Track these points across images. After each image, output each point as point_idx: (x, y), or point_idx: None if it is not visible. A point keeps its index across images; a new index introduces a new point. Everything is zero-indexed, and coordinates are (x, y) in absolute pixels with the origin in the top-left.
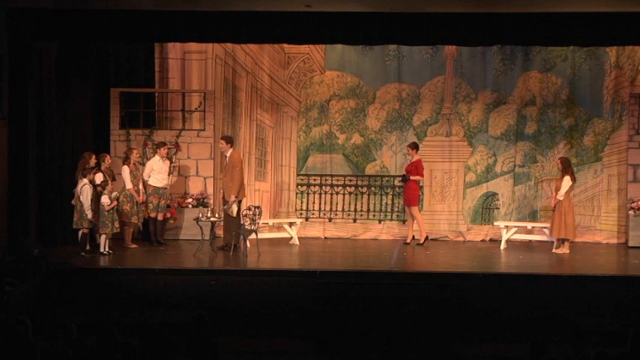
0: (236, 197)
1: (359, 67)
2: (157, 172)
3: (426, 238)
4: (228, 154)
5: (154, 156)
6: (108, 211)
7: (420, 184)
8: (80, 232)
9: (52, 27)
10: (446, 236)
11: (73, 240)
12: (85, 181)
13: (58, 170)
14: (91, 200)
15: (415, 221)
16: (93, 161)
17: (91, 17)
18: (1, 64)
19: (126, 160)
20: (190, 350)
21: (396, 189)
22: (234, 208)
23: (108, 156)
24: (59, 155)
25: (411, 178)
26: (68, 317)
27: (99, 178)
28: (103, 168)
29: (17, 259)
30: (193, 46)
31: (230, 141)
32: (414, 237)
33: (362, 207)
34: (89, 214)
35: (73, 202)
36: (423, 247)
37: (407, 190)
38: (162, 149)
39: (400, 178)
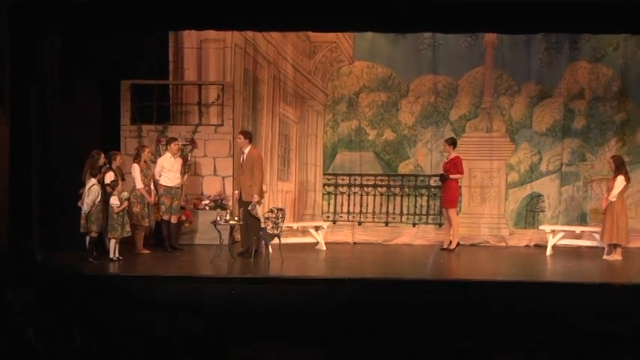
0: (259, 197)
1: (391, 57)
2: (168, 170)
3: (458, 244)
4: (246, 151)
5: (165, 153)
6: (117, 213)
7: (459, 184)
8: (88, 237)
9: (56, 19)
10: (486, 241)
11: (79, 245)
12: (94, 181)
13: (63, 170)
14: (100, 202)
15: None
16: (102, 160)
17: (98, 6)
18: (3, 58)
19: (136, 158)
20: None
21: (432, 189)
22: (259, 208)
23: (119, 154)
24: (65, 153)
25: (451, 176)
26: (73, 326)
27: (109, 177)
28: (113, 167)
29: (20, 265)
30: (210, 34)
31: (249, 136)
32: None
33: (394, 209)
34: (93, 218)
35: (79, 203)
36: (459, 254)
37: (446, 191)
38: (173, 145)
39: (438, 178)
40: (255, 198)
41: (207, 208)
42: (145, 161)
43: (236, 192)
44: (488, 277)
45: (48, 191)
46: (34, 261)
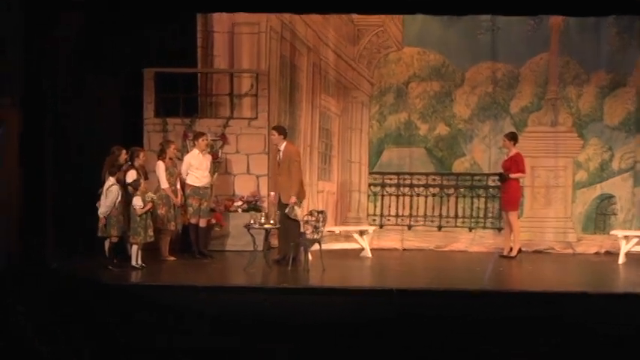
0: (297, 199)
1: (444, 43)
2: (196, 168)
3: (519, 250)
4: (282, 148)
5: (193, 149)
6: (140, 215)
7: (521, 184)
8: (107, 242)
9: None
10: (551, 248)
11: (98, 251)
12: (113, 180)
13: (80, 168)
14: (120, 203)
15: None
16: (123, 157)
17: None
18: (15, 41)
19: (161, 155)
20: None
21: (490, 190)
22: (298, 210)
23: (142, 151)
24: (82, 149)
25: (511, 176)
26: (89, 341)
27: (131, 175)
28: (136, 164)
29: (32, 274)
30: (243, 16)
31: (283, 132)
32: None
33: (448, 212)
34: (113, 221)
35: (98, 204)
36: (521, 262)
37: (506, 192)
38: (201, 140)
39: (497, 177)
40: (293, 199)
41: (239, 210)
42: (170, 158)
43: (272, 194)
44: (554, 288)
45: (63, 191)
46: (48, 269)
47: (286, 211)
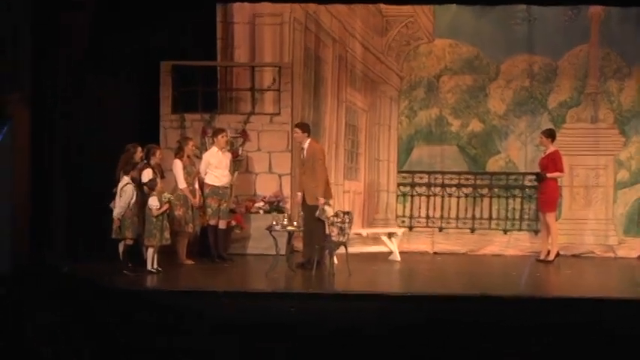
0: (325, 199)
1: (478, 34)
2: (216, 166)
3: (557, 254)
4: (305, 146)
5: (212, 147)
6: (157, 217)
7: (559, 184)
8: (121, 244)
9: None
10: (591, 251)
11: (112, 254)
12: (128, 179)
13: (93, 165)
14: (135, 203)
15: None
16: (139, 155)
17: None
18: (23, 33)
19: (178, 153)
20: None
21: (526, 190)
22: (329, 211)
23: (158, 149)
24: (95, 146)
25: (549, 175)
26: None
27: (147, 175)
28: (152, 163)
29: (41, 279)
30: (265, 6)
31: (307, 129)
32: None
33: (481, 213)
34: (128, 222)
35: (112, 205)
36: (559, 266)
37: (543, 192)
38: (220, 137)
39: (534, 177)
40: (320, 200)
41: (261, 211)
42: (188, 156)
43: (299, 194)
44: (594, 294)
45: (74, 191)
46: (58, 273)
47: (317, 213)
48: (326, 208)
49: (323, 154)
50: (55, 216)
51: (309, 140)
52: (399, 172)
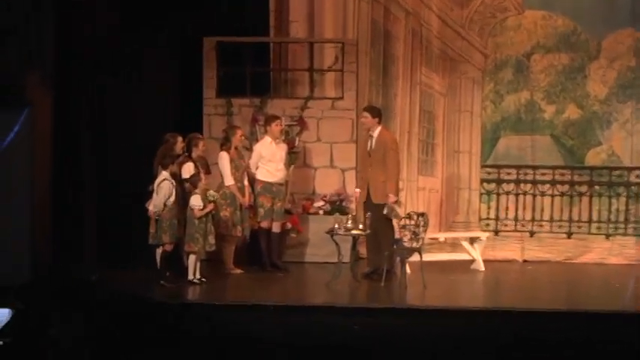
0: (397, 198)
1: (575, 5)
2: (268, 160)
3: None
4: (375, 134)
5: (264, 137)
6: (199, 218)
7: None
8: (158, 251)
9: None
10: None
11: (148, 261)
12: (166, 175)
13: (126, 158)
14: (175, 203)
15: None
16: (180, 146)
17: None
18: (45, 4)
19: (225, 144)
20: None
21: (632, 188)
22: (399, 211)
23: (202, 139)
24: (128, 136)
25: None
26: None
27: (188, 169)
28: (194, 156)
29: (67, 289)
30: None
31: (377, 114)
32: None
33: (580, 215)
34: (166, 225)
35: (148, 205)
36: None
37: None
38: (274, 126)
39: None
40: (392, 198)
41: (321, 212)
42: (236, 148)
43: (357, 190)
44: None
45: (105, 188)
46: (86, 283)
47: (384, 212)
48: (396, 208)
49: (396, 144)
50: (82, 218)
51: (379, 128)
52: (483, 166)
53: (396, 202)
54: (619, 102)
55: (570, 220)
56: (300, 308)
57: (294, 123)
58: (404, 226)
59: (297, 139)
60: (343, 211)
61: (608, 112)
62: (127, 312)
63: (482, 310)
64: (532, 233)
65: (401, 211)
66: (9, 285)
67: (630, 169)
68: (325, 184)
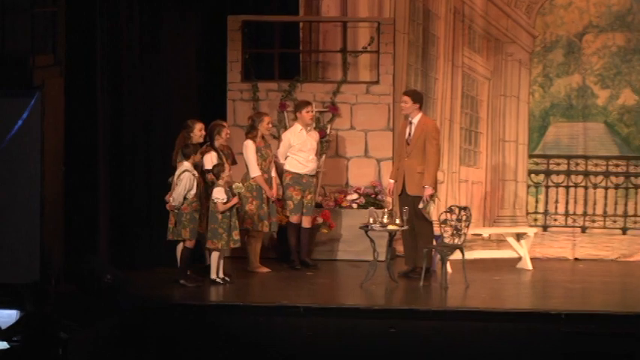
0: (434, 190)
1: None
2: (298, 149)
3: None
4: (415, 121)
5: (293, 124)
6: (223, 213)
7: None
8: (179, 247)
9: None
10: None
11: (168, 259)
12: (187, 165)
13: (143, 148)
14: (196, 196)
15: None
16: (198, 133)
17: None
18: None
19: (251, 132)
20: None
21: None
22: (432, 207)
23: (225, 126)
24: (146, 123)
25: None
26: None
27: (210, 159)
28: (217, 145)
29: (79, 290)
30: None
31: (418, 99)
32: None
33: (636, 209)
34: (187, 219)
35: (167, 198)
36: None
37: None
38: (304, 112)
39: None
40: (428, 190)
41: (354, 205)
42: (262, 136)
43: (391, 182)
44: None
45: (121, 180)
46: (100, 283)
47: (419, 206)
48: (430, 203)
49: (438, 132)
50: (96, 212)
51: (420, 115)
52: (531, 156)
53: (433, 195)
54: None
55: (625, 215)
56: (331, 310)
57: (326, 109)
58: (445, 221)
59: (328, 126)
60: (379, 205)
61: None
62: (143, 314)
63: (529, 312)
64: (584, 229)
65: (437, 207)
66: (18, 284)
67: None
68: (359, 175)
